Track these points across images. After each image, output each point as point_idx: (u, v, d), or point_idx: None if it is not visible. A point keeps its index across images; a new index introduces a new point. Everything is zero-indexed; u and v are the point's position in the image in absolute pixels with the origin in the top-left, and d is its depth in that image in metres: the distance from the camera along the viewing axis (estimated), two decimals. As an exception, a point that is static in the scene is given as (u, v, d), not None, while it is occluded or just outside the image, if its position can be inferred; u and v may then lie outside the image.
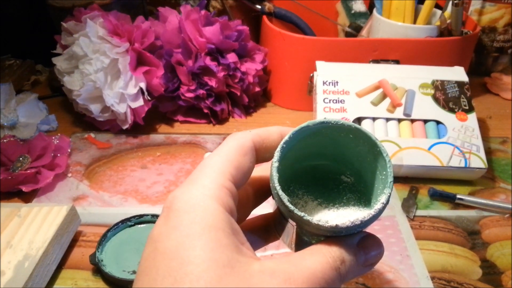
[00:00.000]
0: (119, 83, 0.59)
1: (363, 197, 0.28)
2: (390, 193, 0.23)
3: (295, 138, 0.24)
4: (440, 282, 0.45)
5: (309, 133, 0.25)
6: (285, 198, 0.22)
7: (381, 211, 0.22)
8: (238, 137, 0.25)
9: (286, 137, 0.24)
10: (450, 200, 0.54)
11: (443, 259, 0.47)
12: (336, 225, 0.21)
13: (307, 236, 0.24)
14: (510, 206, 0.53)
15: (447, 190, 0.55)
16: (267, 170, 0.28)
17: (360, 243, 0.23)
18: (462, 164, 0.55)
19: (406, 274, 0.45)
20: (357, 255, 0.23)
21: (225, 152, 0.24)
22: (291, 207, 0.22)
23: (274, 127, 0.27)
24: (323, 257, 0.21)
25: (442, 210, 0.53)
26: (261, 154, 0.26)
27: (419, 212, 0.53)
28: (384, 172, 0.24)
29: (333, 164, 0.28)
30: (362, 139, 0.24)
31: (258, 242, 0.29)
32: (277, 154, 0.24)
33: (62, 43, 0.63)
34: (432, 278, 0.45)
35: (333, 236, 0.23)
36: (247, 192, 0.28)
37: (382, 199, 0.23)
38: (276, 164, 0.24)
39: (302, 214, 0.22)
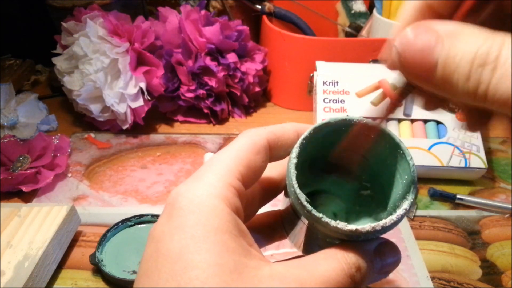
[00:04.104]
0: (119, 83, 0.59)
1: (378, 200, 0.26)
2: (413, 199, 0.22)
3: (315, 135, 0.23)
4: (440, 282, 0.45)
5: (329, 130, 0.24)
6: (302, 197, 0.21)
7: (402, 217, 0.21)
8: (252, 134, 0.23)
9: (306, 133, 0.23)
10: (450, 200, 0.54)
11: (443, 259, 0.47)
12: (356, 229, 0.20)
13: (320, 238, 0.23)
14: (510, 206, 0.53)
15: (447, 190, 0.55)
16: (276, 167, 0.27)
17: (377, 249, 0.22)
18: (462, 164, 0.55)
19: (406, 274, 0.45)
20: (374, 262, 0.21)
21: (236, 149, 0.22)
22: (309, 207, 0.21)
23: (289, 124, 0.25)
24: (338, 263, 0.20)
25: (442, 210, 0.53)
26: (274, 153, 0.24)
27: (419, 212, 0.53)
28: (406, 176, 0.22)
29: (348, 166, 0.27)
30: (384, 140, 0.23)
31: (262, 240, 0.28)
32: (295, 150, 0.23)
33: (62, 43, 0.63)
34: (432, 278, 0.45)
35: (349, 240, 0.22)
36: (254, 190, 0.26)
37: (405, 205, 0.21)
38: (294, 161, 0.22)
39: (320, 215, 0.21)
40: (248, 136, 0.23)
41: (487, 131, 0.68)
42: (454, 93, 0.16)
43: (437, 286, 0.44)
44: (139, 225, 0.49)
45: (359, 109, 0.59)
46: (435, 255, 0.48)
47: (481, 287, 0.44)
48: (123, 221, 0.48)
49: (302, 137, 0.23)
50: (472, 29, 0.16)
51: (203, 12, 0.65)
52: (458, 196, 0.54)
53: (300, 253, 0.26)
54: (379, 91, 0.60)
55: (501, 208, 0.53)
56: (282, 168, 0.27)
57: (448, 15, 0.18)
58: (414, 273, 0.45)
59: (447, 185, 0.57)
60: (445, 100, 0.21)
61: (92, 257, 0.44)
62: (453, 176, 0.57)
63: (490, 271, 0.46)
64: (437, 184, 0.56)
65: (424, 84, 0.17)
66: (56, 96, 0.72)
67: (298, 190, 0.22)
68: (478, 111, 0.21)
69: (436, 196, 0.55)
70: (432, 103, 0.21)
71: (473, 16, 0.17)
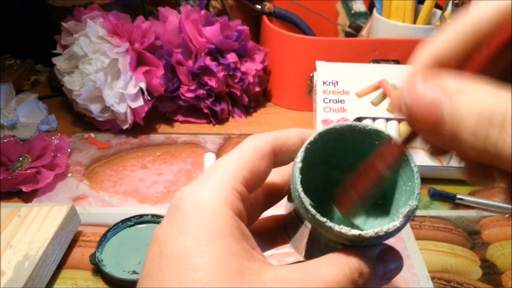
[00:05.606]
0: (119, 83, 0.59)
1: (380, 205, 0.26)
2: (417, 206, 0.22)
3: (320, 139, 0.23)
4: (440, 282, 0.45)
5: (334, 136, 0.24)
6: (307, 202, 0.21)
7: (406, 223, 0.21)
8: (256, 139, 0.24)
9: (311, 138, 0.23)
10: (450, 200, 0.54)
11: (443, 259, 0.47)
12: (359, 234, 0.20)
13: (322, 243, 0.23)
14: (510, 206, 0.53)
15: (447, 190, 0.55)
16: (279, 172, 0.27)
17: (379, 255, 0.22)
18: (462, 164, 0.55)
19: (406, 274, 0.45)
20: (376, 268, 0.22)
21: (240, 153, 0.23)
22: (313, 211, 0.21)
23: (294, 129, 0.25)
24: (340, 268, 0.20)
25: (442, 210, 0.53)
26: (279, 158, 0.24)
27: (419, 212, 0.53)
28: (410, 183, 0.23)
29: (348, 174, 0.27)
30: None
31: (263, 245, 0.28)
32: (300, 155, 0.23)
33: (62, 43, 0.63)
34: (432, 278, 0.45)
35: (352, 245, 0.22)
36: (257, 195, 0.26)
37: (408, 211, 0.21)
38: (299, 165, 0.23)
39: (324, 219, 0.21)
40: (253, 141, 0.23)
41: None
42: (464, 150, 0.16)
43: (437, 286, 0.44)
44: (139, 225, 0.49)
45: (359, 109, 0.59)
46: (435, 255, 0.48)
47: (481, 287, 0.44)
48: (123, 221, 0.48)
49: (308, 141, 0.23)
50: (480, 84, 0.16)
51: (203, 12, 0.65)
52: (458, 196, 0.54)
53: (302, 258, 0.26)
54: (379, 91, 0.60)
55: (501, 208, 0.53)
56: (285, 174, 0.27)
57: (457, 66, 0.18)
58: (414, 273, 0.45)
59: (447, 185, 0.56)
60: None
61: (92, 257, 0.44)
62: (453, 176, 0.57)
63: (490, 271, 0.46)
64: (437, 184, 0.56)
65: (433, 138, 0.18)
66: (56, 96, 0.72)
67: (302, 194, 0.22)
68: (482, 167, 0.21)
69: (436, 196, 0.54)
70: (438, 152, 0.22)
71: (492, 67, 0.17)
